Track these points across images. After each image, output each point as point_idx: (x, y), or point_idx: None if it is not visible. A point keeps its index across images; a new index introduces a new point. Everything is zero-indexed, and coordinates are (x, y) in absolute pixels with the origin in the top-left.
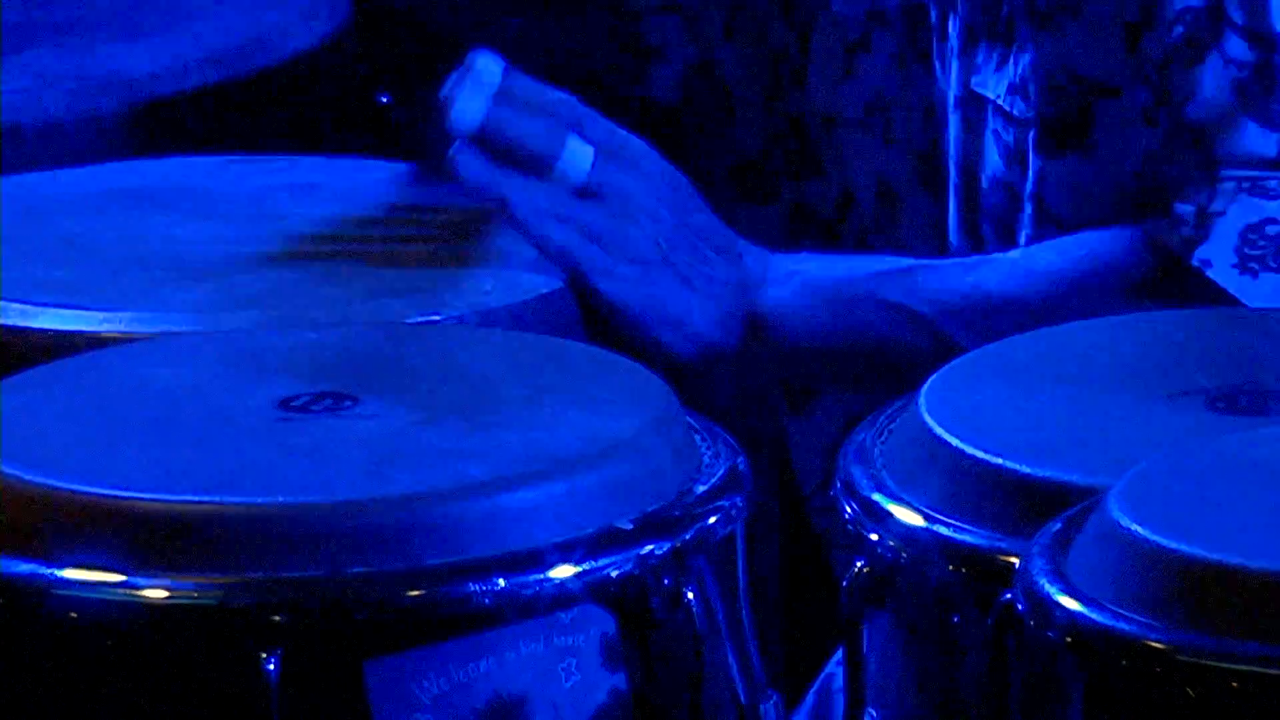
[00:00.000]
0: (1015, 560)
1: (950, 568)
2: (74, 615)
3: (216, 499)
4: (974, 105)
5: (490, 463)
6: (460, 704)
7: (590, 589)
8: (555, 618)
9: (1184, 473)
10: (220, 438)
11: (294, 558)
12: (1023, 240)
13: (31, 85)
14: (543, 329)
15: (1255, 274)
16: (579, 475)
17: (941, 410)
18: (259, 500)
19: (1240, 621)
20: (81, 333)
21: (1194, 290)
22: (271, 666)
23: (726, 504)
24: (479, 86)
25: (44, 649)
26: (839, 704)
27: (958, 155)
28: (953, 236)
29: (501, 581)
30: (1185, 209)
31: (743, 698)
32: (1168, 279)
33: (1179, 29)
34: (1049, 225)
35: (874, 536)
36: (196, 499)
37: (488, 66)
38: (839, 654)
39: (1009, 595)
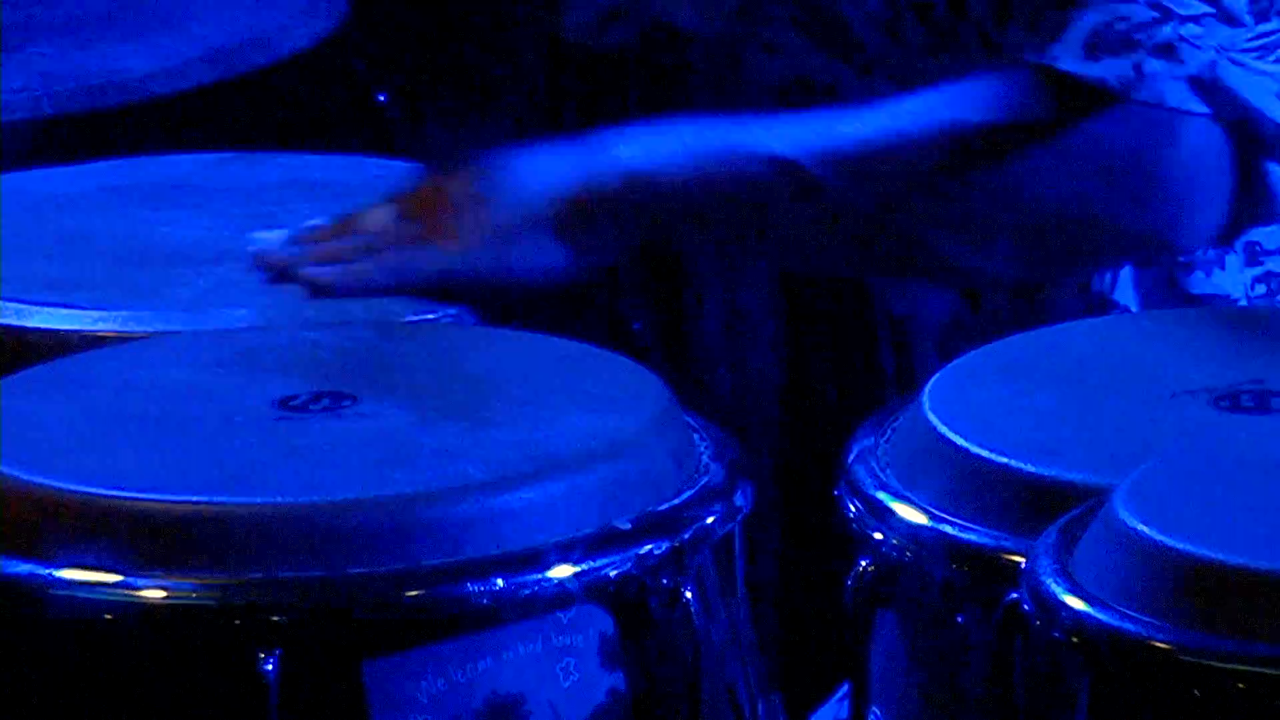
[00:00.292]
0: (1019, 559)
1: (955, 566)
2: (72, 615)
3: (215, 499)
4: None
5: (489, 463)
6: (458, 704)
7: (589, 589)
8: (554, 618)
9: (1189, 472)
10: (219, 437)
11: (292, 558)
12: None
13: (31, 85)
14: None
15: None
16: (578, 475)
17: (945, 409)
18: (257, 500)
19: (1246, 622)
20: (77, 331)
21: (1082, 140)
22: (270, 667)
23: (725, 504)
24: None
25: (42, 649)
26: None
27: None
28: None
29: (500, 581)
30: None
31: (742, 697)
32: (1054, 121)
33: None
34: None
35: (878, 535)
36: (195, 499)
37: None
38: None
39: (1014, 595)
